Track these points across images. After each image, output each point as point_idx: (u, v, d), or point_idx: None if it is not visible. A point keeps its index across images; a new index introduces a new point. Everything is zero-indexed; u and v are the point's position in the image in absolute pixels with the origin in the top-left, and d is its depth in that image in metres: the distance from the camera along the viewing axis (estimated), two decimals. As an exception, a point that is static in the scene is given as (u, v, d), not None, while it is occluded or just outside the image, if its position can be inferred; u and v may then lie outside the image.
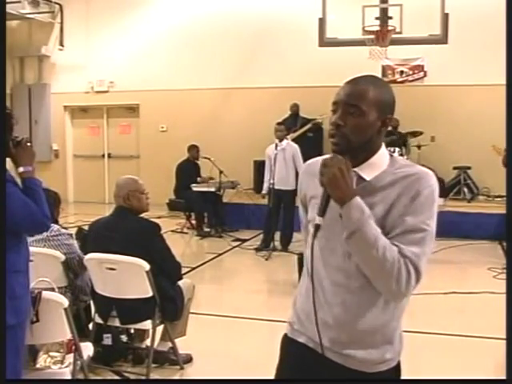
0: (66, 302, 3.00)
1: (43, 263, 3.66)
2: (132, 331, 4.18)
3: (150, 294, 3.78)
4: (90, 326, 4.06)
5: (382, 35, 8.87)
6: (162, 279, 3.86)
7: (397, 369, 1.86)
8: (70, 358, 3.16)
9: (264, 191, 8.24)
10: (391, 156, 1.80)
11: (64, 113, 13.24)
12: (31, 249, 2.86)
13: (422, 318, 5.10)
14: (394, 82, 10.83)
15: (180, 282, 4.08)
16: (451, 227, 8.70)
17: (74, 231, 4.50)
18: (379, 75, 10.47)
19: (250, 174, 11.10)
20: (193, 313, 4.36)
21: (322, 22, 9.18)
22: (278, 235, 8.07)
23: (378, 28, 8.88)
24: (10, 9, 10.90)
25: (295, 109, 10.83)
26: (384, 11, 8.94)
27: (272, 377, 1.95)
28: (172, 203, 10.32)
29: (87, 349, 3.32)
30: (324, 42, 9.32)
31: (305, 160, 2.00)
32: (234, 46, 11.61)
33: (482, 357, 4.32)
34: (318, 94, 8.99)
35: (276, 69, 11.40)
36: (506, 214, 6.29)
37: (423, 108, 10.69)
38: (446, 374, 3.87)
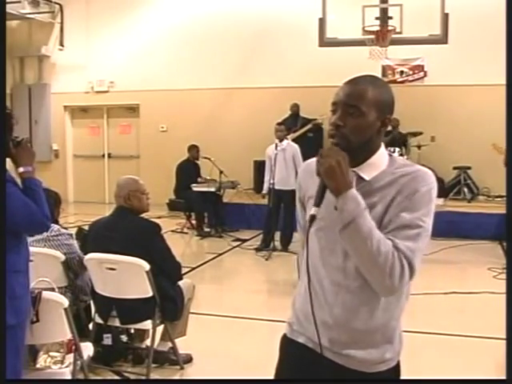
0: (66, 302, 3.00)
1: (43, 263, 3.66)
2: (132, 331, 4.18)
3: (150, 294, 3.78)
4: (90, 326, 4.06)
5: (382, 35, 8.88)
6: (162, 279, 3.86)
7: (396, 369, 1.86)
8: (70, 358, 3.16)
9: (264, 191, 8.24)
10: (390, 156, 1.80)
11: (64, 113, 13.24)
12: (31, 249, 2.86)
13: (421, 318, 5.10)
14: (394, 82, 10.83)
15: (180, 282, 4.08)
16: (451, 227, 8.71)
17: (74, 231, 4.50)
18: (379, 75, 10.46)
19: (250, 173, 11.11)
20: (193, 313, 4.36)
21: (321, 22, 9.18)
22: (278, 235, 8.07)
23: (378, 28, 8.88)
24: (10, 9, 10.90)
25: (295, 109, 10.83)
26: (384, 11, 8.95)
27: (272, 377, 1.95)
28: (172, 203, 10.32)
29: (87, 349, 3.32)
30: (324, 42, 9.33)
31: (305, 160, 2.01)
32: (233, 45, 11.61)
33: (482, 357, 4.32)
34: (318, 94, 8.98)
35: (276, 69, 11.41)
36: (506, 213, 6.29)
37: (423, 108, 10.69)
38: (445, 374, 3.87)
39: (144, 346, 4.18)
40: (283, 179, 7.80)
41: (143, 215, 4.04)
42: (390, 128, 10.04)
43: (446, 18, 8.77)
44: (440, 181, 10.38)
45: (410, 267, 1.62)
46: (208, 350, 4.37)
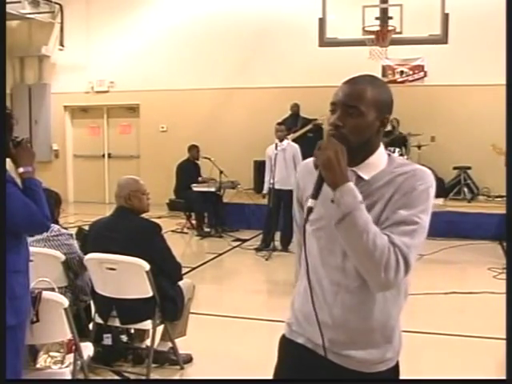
0: (66, 301, 3.00)
1: (43, 263, 3.66)
2: (132, 331, 4.18)
3: (150, 294, 3.78)
4: (90, 326, 4.06)
5: (382, 35, 8.88)
6: (162, 279, 3.86)
7: (396, 369, 1.86)
8: (70, 358, 3.16)
9: (265, 191, 8.25)
10: (389, 155, 1.81)
11: (64, 113, 13.24)
12: (31, 249, 2.86)
13: (422, 318, 5.10)
14: (394, 82, 10.83)
15: (180, 282, 4.08)
16: (451, 227, 8.71)
17: (74, 231, 4.50)
18: (379, 75, 10.48)
19: (250, 173, 11.11)
20: (193, 313, 4.36)
21: (322, 22, 9.18)
22: (278, 235, 8.07)
23: (378, 28, 8.88)
24: (10, 9, 10.90)
25: (296, 109, 10.83)
26: (384, 11, 8.95)
27: (272, 377, 1.95)
28: (172, 203, 10.32)
29: (87, 349, 3.32)
30: (324, 42, 9.33)
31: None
32: (234, 45, 11.62)
33: (482, 357, 4.32)
34: (318, 94, 8.97)
35: (276, 69, 11.41)
36: (506, 213, 6.29)
37: (423, 108, 10.69)
38: (445, 374, 3.88)
39: (144, 345, 4.18)
40: (283, 179, 7.80)
41: (143, 215, 4.04)
42: (390, 128, 10.12)
43: (446, 18, 8.77)
44: (440, 181, 10.39)
45: (405, 263, 1.61)
46: (208, 350, 4.37)
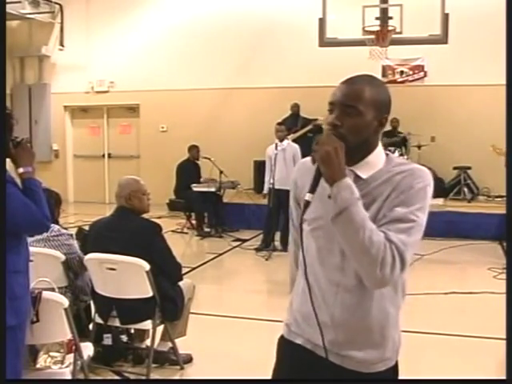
0: (66, 302, 3.00)
1: (43, 263, 3.66)
2: (132, 331, 4.18)
3: (150, 294, 3.78)
4: (90, 326, 4.06)
5: (382, 35, 8.88)
6: (162, 279, 3.86)
7: (395, 368, 1.85)
8: (70, 358, 3.16)
9: (265, 191, 8.25)
10: (387, 155, 1.81)
11: (64, 113, 13.24)
12: (31, 249, 2.86)
13: (421, 318, 5.10)
14: (394, 82, 10.84)
15: (180, 282, 4.08)
16: (451, 227, 8.72)
17: (74, 231, 4.50)
18: (379, 75, 10.48)
19: (250, 173, 11.11)
20: (193, 313, 4.35)
21: (322, 22, 9.19)
22: (278, 235, 8.07)
23: (378, 28, 8.89)
24: (10, 9, 10.90)
25: (296, 109, 10.83)
26: (384, 11, 8.95)
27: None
28: (172, 203, 10.32)
29: (87, 349, 3.32)
30: (324, 42, 9.33)
31: (305, 160, 2.00)
32: (234, 46, 11.62)
33: (482, 357, 4.31)
34: (318, 94, 8.95)
35: (276, 69, 11.41)
36: (506, 213, 6.29)
37: (423, 108, 10.70)
38: (446, 374, 3.87)
39: (144, 346, 4.18)
40: (283, 179, 7.79)
41: (144, 216, 4.04)
42: (390, 128, 10.12)
43: (446, 18, 8.77)
44: (440, 181, 10.40)
45: (401, 260, 1.61)
46: (208, 350, 4.37)
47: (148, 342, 4.05)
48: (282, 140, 8.02)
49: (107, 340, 4.00)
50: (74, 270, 4.01)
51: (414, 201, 1.67)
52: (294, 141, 8.72)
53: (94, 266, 3.87)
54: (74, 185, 13.39)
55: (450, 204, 9.81)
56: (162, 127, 12.49)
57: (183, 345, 4.14)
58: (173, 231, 9.35)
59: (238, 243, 8.76)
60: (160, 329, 4.06)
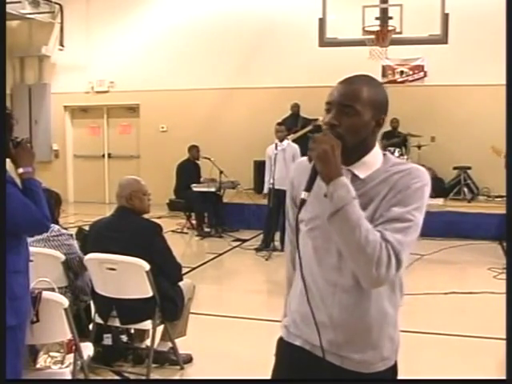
0: (66, 302, 3.00)
1: (43, 263, 3.66)
2: (132, 331, 4.18)
3: (150, 294, 3.78)
4: (90, 326, 4.06)
5: (382, 35, 8.88)
6: (162, 279, 3.87)
7: (394, 368, 1.85)
8: (70, 358, 3.16)
9: (265, 191, 8.25)
10: (384, 155, 1.81)
11: (64, 113, 13.25)
12: (31, 249, 2.86)
13: (421, 318, 5.11)
14: (394, 82, 10.84)
15: (180, 282, 4.08)
16: (451, 227, 8.72)
17: (74, 231, 4.50)
18: (379, 75, 10.50)
19: (250, 173, 11.11)
20: (193, 313, 4.36)
21: (321, 22, 9.19)
22: (278, 235, 8.07)
23: (378, 28, 8.89)
24: (10, 9, 10.90)
25: (296, 109, 10.84)
26: (384, 11, 8.95)
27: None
28: (172, 203, 10.32)
29: (87, 349, 3.32)
30: (324, 42, 9.34)
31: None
32: (234, 46, 11.62)
33: (482, 357, 4.32)
34: (319, 94, 8.95)
35: (276, 69, 11.41)
36: (506, 214, 6.29)
37: (423, 108, 10.69)
38: (445, 374, 3.88)
39: (144, 346, 4.18)
40: (283, 179, 7.77)
41: (144, 216, 4.04)
42: (390, 128, 10.12)
43: (446, 18, 8.78)
44: (440, 181, 10.40)
45: (397, 259, 1.61)
46: (208, 350, 4.37)
47: (148, 341, 4.05)
48: (281, 140, 8.02)
49: (107, 340, 4.00)
50: (74, 270, 4.01)
51: (411, 200, 1.67)
52: (294, 141, 8.71)
53: (93, 266, 3.87)
54: (74, 185, 13.39)
55: (450, 204, 9.81)
56: (162, 127, 12.49)
57: (183, 345, 4.14)
58: (173, 231, 9.35)
59: (238, 243, 8.76)
60: (160, 329, 4.06)
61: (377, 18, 8.92)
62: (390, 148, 9.64)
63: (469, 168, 10.40)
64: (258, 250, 8.12)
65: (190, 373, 4.06)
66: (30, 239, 2.94)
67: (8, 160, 2.62)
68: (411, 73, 11.04)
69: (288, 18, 11.10)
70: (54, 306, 2.96)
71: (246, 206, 9.98)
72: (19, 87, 13.13)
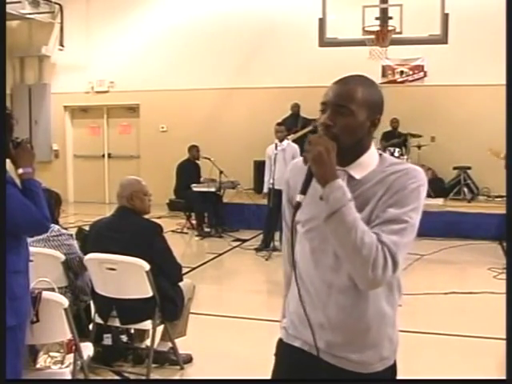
0: (66, 302, 3.00)
1: (43, 263, 3.66)
2: (132, 331, 4.18)
3: (150, 294, 3.78)
4: (90, 326, 4.06)
5: (382, 35, 8.89)
6: (162, 279, 3.87)
7: (393, 368, 1.85)
8: (70, 358, 3.16)
9: (265, 191, 8.26)
10: (380, 155, 1.80)
11: (64, 113, 13.25)
12: (31, 249, 2.86)
13: (422, 318, 5.11)
14: (394, 82, 10.85)
15: (180, 283, 4.08)
16: (451, 227, 8.72)
17: (74, 231, 4.50)
18: (379, 75, 10.51)
19: (250, 173, 11.12)
20: (193, 313, 4.36)
21: (321, 22, 9.19)
22: (278, 235, 8.06)
23: (378, 28, 8.90)
24: (10, 9, 10.91)
25: (296, 109, 10.84)
26: (384, 11, 8.96)
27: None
28: (172, 203, 10.33)
29: (87, 349, 3.32)
30: (324, 42, 9.34)
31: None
32: (234, 46, 11.62)
33: (482, 357, 4.31)
34: (319, 94, 8.91)
35: (276, 69, 11.41)
36: (506, 214, 6.29)
37: (423, 108, 10.69)
38: (445, 374, 3.88)
39: (144, 346, 4.18)
40: (282, 179, 7.78)
41: (144, 216, 4.04)
42: (390, 129, 10.12)
43: (445, 18, 8.78)
44: (440, 181, 10.41)
45: (393, 261, 1.60)
46: (208, 350, 4.37)
47: (148, 341, 4.05)
48: (281, 140, 8.02)
49: (107, 340, 4.00)
50: (74, 270, 4.01)
51: (407, 201, 1.66)
52: (294, 141, 8.71)
53: (93, 266, 3.87)
54: (74, 185, 13.39)
55: (450, 204, 9.82)
56: (162, 127, 12.49)
57: (183, 345, 4.14)
58: (173, 231, 9.35)
59: (238, 243, 8.76)
60: (160, 329, 4.06)
61: (377, 18, 8.92)
62: (390, 148, 9.66)
63: (469, 168, 10.40)
64: (257, 249, 8.12)
65: (190, 373, 4.06)
66: (29, 239, 2.94)
67: (8, 160, 2.62)
68: (411, 73, 11.04)
69: (288, 17, 11.10)
70: (53, 306, 2.96)
71: (245, 205, 9.98)
72: (19, 87, 13.13)
